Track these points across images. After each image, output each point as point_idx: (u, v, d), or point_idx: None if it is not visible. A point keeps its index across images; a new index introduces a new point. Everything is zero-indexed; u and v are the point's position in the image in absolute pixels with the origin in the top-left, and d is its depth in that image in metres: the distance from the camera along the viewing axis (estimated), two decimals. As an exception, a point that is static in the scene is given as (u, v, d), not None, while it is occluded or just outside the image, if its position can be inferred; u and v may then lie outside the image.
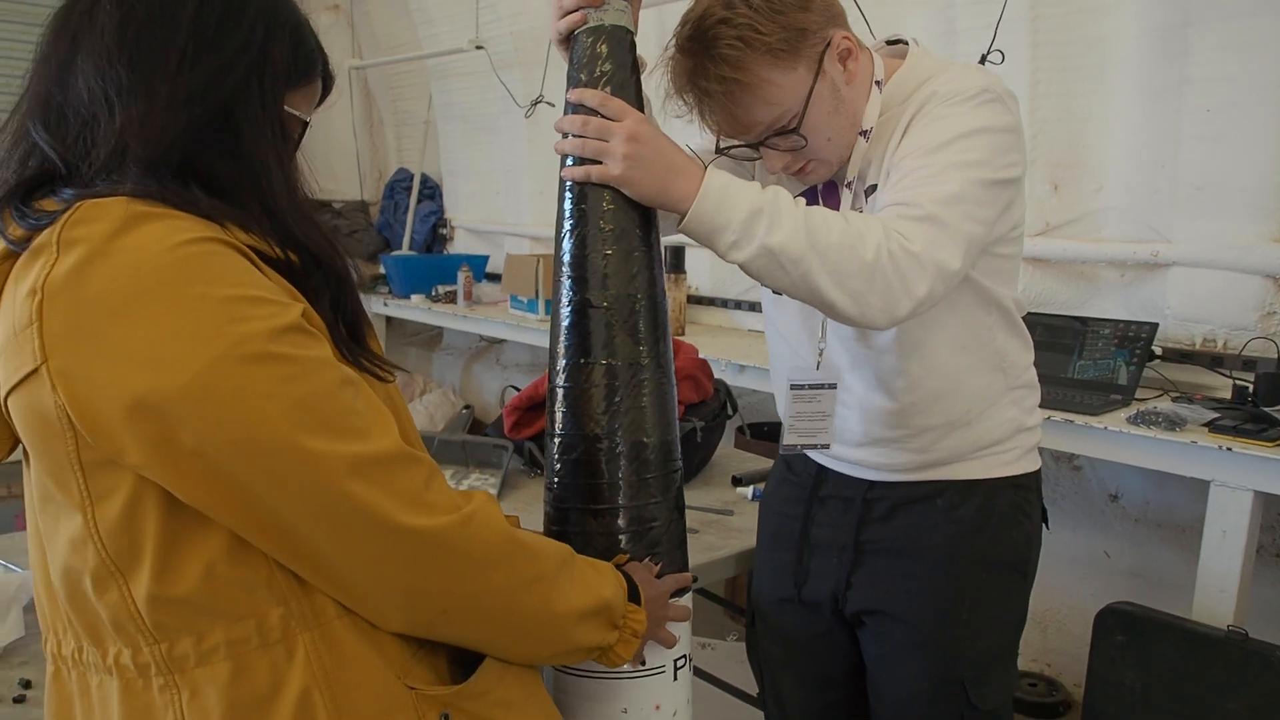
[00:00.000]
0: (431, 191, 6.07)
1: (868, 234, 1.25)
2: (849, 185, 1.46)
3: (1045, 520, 1.64)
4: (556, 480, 1.27)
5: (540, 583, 1.00)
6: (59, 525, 0.88)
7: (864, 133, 1.43)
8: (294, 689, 0.88)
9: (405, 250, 5.89)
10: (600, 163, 1.22)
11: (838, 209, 1.40)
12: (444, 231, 6.03)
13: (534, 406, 2.39)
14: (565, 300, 1.25)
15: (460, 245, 5.94)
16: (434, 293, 5.06)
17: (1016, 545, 1.57)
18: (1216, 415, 2.40)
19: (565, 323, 1.25)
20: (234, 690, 0.87)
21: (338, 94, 1.09)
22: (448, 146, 5.84)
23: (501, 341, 5.53)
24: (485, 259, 5.35)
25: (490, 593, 0.96)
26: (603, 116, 1.22)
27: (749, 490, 2.29)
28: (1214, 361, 2.79)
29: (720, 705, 2.61)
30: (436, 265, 5.32)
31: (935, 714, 1.58)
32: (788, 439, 1.57)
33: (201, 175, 0.90)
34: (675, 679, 1.27)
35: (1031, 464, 1.59)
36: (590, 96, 1.23)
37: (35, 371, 0.81)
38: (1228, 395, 2.60)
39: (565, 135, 1.26)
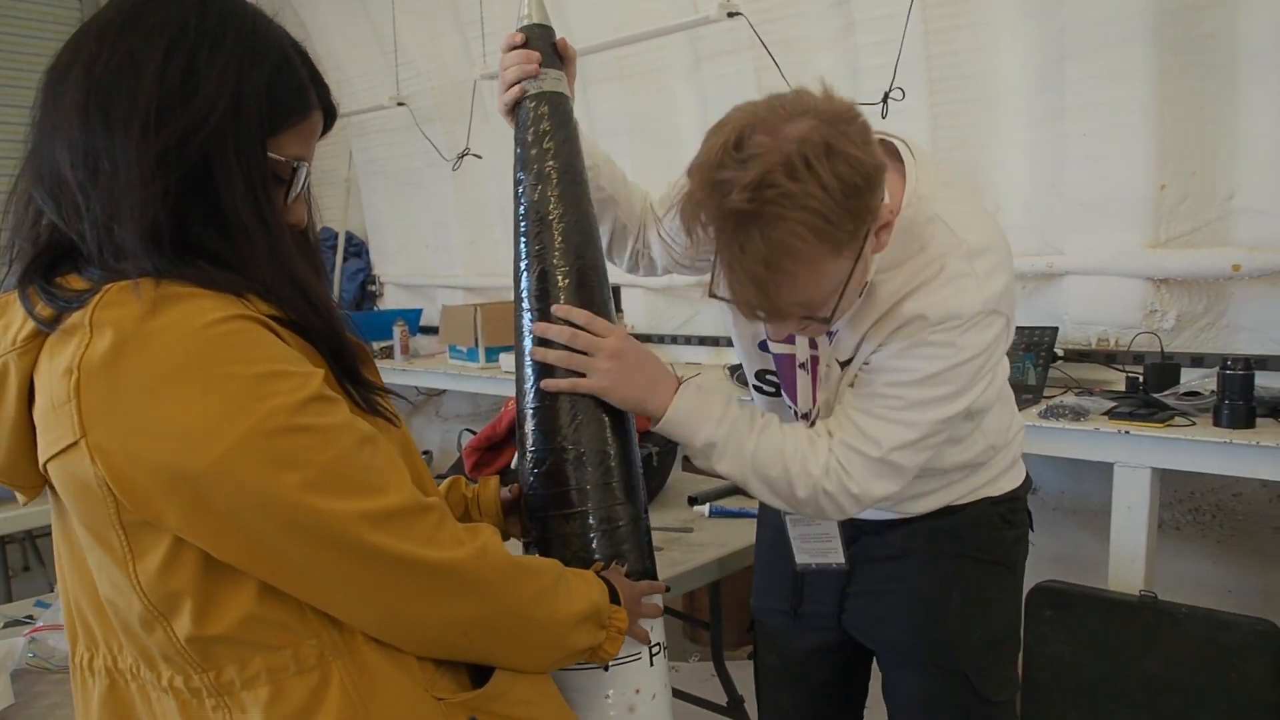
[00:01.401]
0: (358, 249, 6.10)
1: (809, 469, 1.35)
2: (831, 335, 1.42)
3: (1030, 523, 1.66)
4: (531, 494, 1.37)
5: (544, 596, 1.09)
6: (102, 572, 0.94)
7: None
8: (332, 710, 0.95)
9: (335, 309, 5.91)
10: (584, 374, 1.33)
11: (815, 352, 1.45)
12: (373, 289, 6.07)
13: (493, 446, 2.45)
14: (527, 330, 1.39)
15: (390, 301, 5.98)
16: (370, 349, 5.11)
17: (1002, 544, 1.59)
18: (1114, 404, 2.66)
19: (529, 346, 1.38)
20: (274, 710, 0.93)
21: None
22: (371, 203, 5.91)
23: (441, 393, 5.59)
24: (419, 312, 5.41)
25: (504, 612, 1.04)
26: (589, 332, 1.33)
27: (705, 508, 2.45)
28: (1108, 358, 3.07)
29: (693, 716, 2.76)
30: (370, 322, 5.34)
31: (940, 707, 1.60)
32: (799, 558, 1.62)
33: (194, 246, 0.92)
34: (652, 665, 1.39)
35: (1014, 480, 1.60)
36: (578, 315, 1.35)
37: (75, 444, 0.86)
38: (1122, 387, 2.88)
39: (542, 341, 1.35)
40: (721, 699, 2.48)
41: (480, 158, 4.40)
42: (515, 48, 1.46)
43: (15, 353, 0.91)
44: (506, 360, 4.18)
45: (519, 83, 1.44)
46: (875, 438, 1.33)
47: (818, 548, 1.61)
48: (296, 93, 1.00)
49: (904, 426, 1.33)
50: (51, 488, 0.96)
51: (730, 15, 3.26)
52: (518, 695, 1.08)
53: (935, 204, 1.33)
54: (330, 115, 1.07)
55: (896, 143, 1.38)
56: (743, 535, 2.17)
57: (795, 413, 1.54)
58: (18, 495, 1.01)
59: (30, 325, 0.91)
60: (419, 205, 5.57)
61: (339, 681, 0.95)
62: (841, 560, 1.59)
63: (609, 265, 1.52)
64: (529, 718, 1.08)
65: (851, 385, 1.40)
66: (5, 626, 1.70)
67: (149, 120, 0.89)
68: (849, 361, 1.41)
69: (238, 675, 0.94)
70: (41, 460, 0.91)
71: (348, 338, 1.01)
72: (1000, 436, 1.54)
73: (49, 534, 1.08)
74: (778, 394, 1.58)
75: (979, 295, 1.29)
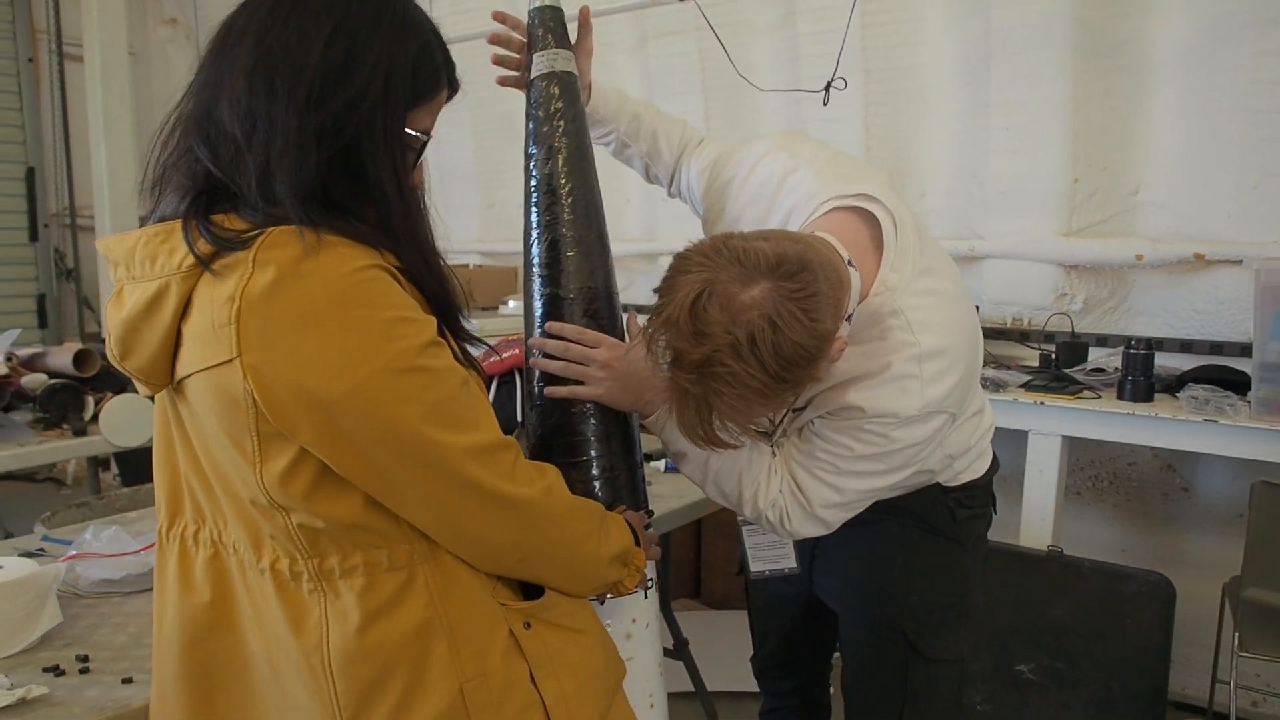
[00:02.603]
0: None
1: (757, 500, 1.47)
2: None
3: (994, 506, 1.74)
4: (539, 443, 1.50)
5: (591, 536, 1.23)
6: (231, 466, 1.05)
7: None
8: (417, 602, 1.07)
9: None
10: (582, 383, 1.43)
11: None
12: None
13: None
14: (537, 294, 1.49)
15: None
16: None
17: (952, 521, 1.64)
18: (1029, 378, 2.92)
19: (539, 314, 1.49)
20: (366, 599, 1.05)
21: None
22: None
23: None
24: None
25: (558, 544, 1.18)
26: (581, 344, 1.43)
27: (660, 464, 2.62)
28: (1022, 336, 3.35)
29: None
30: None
31: (882, 660, 1.70)
32: (754, 566, 1.73)
33: (338, 205, 1.03)
34: (645, 598, 1.55)
35: (972, 473, 1.65)
36: (569, 330, 1.44)
37: (229, 361, 0.97)
38: (1035, 362, 3.15)
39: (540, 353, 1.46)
40: (669, 642, 2.65)
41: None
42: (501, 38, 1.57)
43: (179, 275, 1.01)
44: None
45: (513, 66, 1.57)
46: (807, 494, 1.45)
47: (771, 554, 1.74)
48: (433, 72, 1.11)
49: (833, 490, 1.44)
50: (173, 389, 1.08)
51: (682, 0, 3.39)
52: (565, 608, 1.21)
53: (902, 297, 1.36)
54: (453, 90, 1.17)
55: (884, 219, 1.39)
56: (693, 490, 2.29)
57: None
58: (140, 388, 1.11)
59: (190, 259, 1.01)
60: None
61: (423, 580, 1.08)
62: (794, 565, 1.72)
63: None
64: (574, 627, 1.22)
65: (800, 433, 1.49)
66: (20, 556, 1.77)
67: (310, 95, 1.00)
68: (801, 409, 1.49)
69: (339, 564, 1.06)
70: (188, 370, 1.03)
71: (452, 295, 1.14)
72: (960, 446, 1.60)
73: None
74: None
75: (919, 398, 1.34)
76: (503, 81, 1.62)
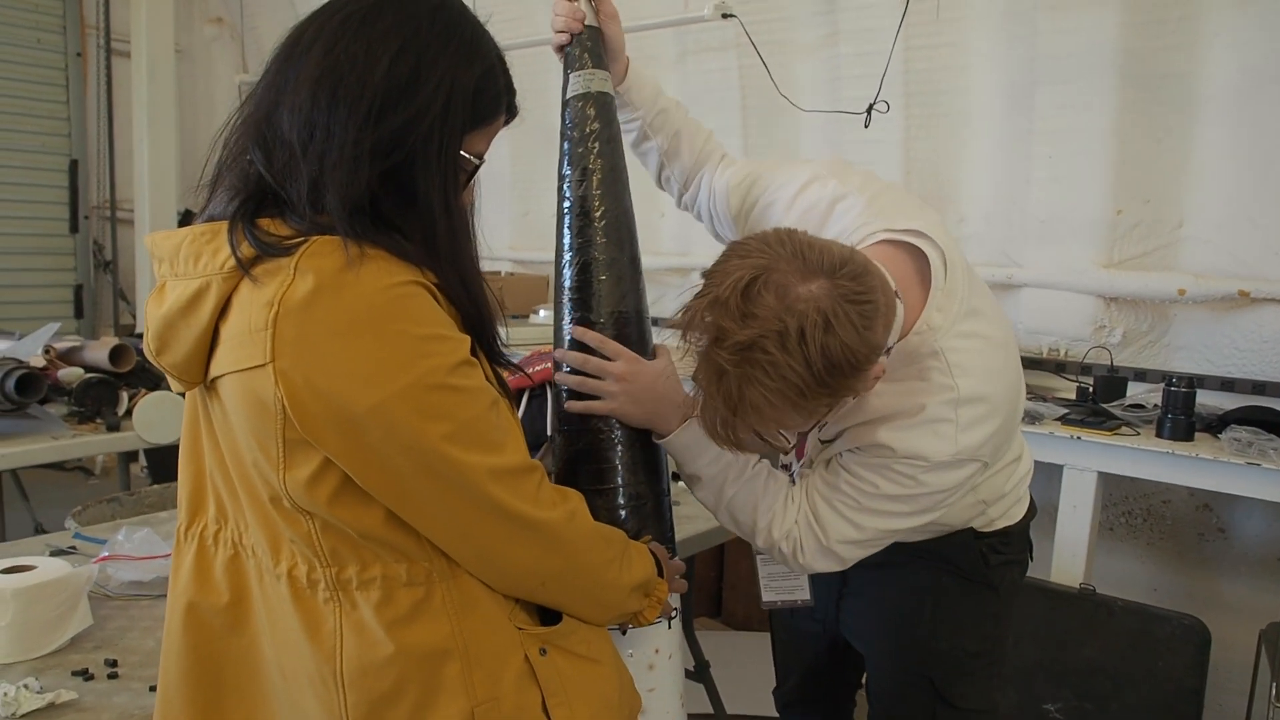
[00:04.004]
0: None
1: (772, 530, 1.43)
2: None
3: (1030, 552, 1.69)
4: (566, 468, 1.46)
5: (613, 563, 1.21)
6: (256, 469, 1.04)
7: None
8: (433, 620, 1.06)
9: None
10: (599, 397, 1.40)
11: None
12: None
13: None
14: (568, 318, 1.47)
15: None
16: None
17: (984, 566, 1.59)
18: (1066, 411, 2.88)
19: (569, 337, 1.46)
20: (382, 612, 1.05)
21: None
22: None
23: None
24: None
25: (580, 570, 1.17)
26: (601, 356, 1.40)
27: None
28: (1058, 367, 3.30)
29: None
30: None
31: (909, 707, 1.66)
32: (766, 596, 1.68)
33: (385, 220, 1.03)
34: (669, 628, 1.52)
35: (1007, 519, 1.61)
36: (590, 337, 1.41)
37: (263, 366, 0.97)
38: (1070, 394, 3.11)
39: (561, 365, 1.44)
40: (690, 664, 2.63)
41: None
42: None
43: (220, 276, 1.01)
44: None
45: (566, 31, 1.54)
46: (825, 527, 1.40)
47: (785, 585, 1.69)
48: (494, 98, 1.12)
49: (852, 526, 1.39)
50: (205, 388, 1.08)
51: (725, 16, 3.38)
52: (582, 636, 1.20)
53: (945, 338, 1.32)
54: (511, 116, 1.18)
55: (934, 257, 1.35)
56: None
57: (778, 458, 1.61)
58: (173, 384, 1.11)
59: (232, 261, 1.01)
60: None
61: (440, 599, 1.07)
62: (808, 597, 1.67)
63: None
64: (590, 656, 1.21)
65: (826, 464, 1.45)
66: (52, 555, 1.78)
67: (371, 111, 1.00)
68: (831, 441, 1.46)
69: (356, 575, 1.05)
70: (221, 371, 1.03)
71: (489, 318, 1.13)
72: (994, 493, 1.56)
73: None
74: None
75: (952, 444, 1.30)
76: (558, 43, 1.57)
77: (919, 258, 1.36)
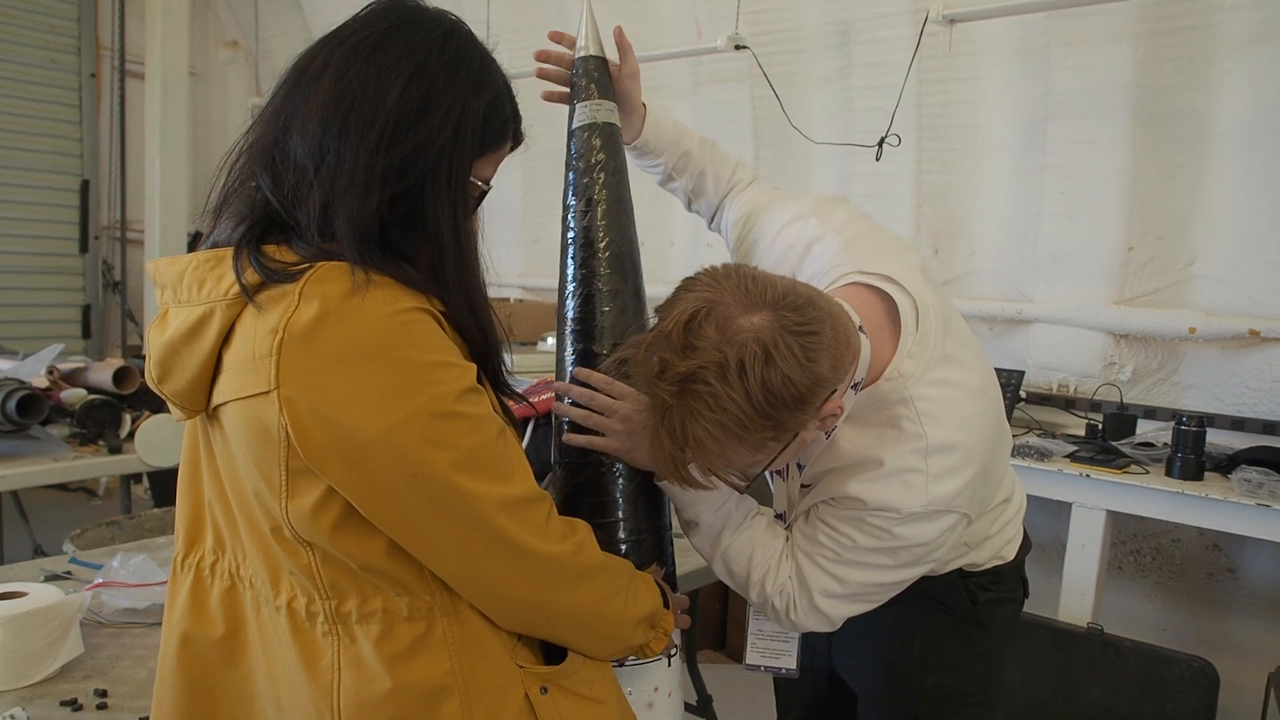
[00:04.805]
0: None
1: (765, 585, 1.41)
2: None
3: (1025, 589, 1.64)
4: (565, 500, 1.46)
5: (619, 594, 1.19)
6: (257, 498, 1.03)
7: None
8: (433, 656, 1.05)
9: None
10: (601, 434, 1.37)
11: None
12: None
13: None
14: (570, 349, 1.45)
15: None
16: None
17: (974, 604, 1.56)
18: (1075, 448, 2.85)
19: (571, 367, 1.44)
20: (381, 647, 1.03)
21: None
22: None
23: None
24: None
25: (586, 603, 1.15)
26: (606, 394, 1.37)
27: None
28: (1067, 404, 3.28)
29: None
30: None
31: None
32: (750, 658, 1.62)
33: (393, 247, 1.03)
34: (669, 665, 1.48)
35: (997, 559, 1.57)
36: (596, 379, 1.39)
37: (267, 393, 0.96)
38: (1080, 432, 3.08)
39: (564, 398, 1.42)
40: (692, 698, 2.60)
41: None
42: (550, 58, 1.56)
43: (224, 302, 1.00)
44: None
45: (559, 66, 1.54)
46: (808, 583, 1.38)
47: (772, 648, 1.62)
48: (501, 125, 1.12)
49: (834, 580, 1.36)
50: (207, 416, 1.07)
51: (738, 48, 3.39)
52: (585, 675, 1.18)
53: (915, 385, 1.29)
54: (517, 143, 1.18)
55: (903, 304, 1.32)
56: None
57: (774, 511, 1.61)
58: (175, 412, 1.09)
59: (236, 288, 1.01)
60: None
61: (441, 634, 1.06)
62: (793, 667, 1.60)
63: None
64: (593, 697, 1.18)
65: (806, 517, 1.42)
66: (46, 580, 1.76)
67: (383, 137, 1.01)
68: (809, 487, 1.43)
69: (356, 609, 1.04)
70: (224, 398, 1.01)
71: (494, 346, 1.13)
72: (978, 536, 1.53)
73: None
74: None
75: (923, 494, 1.27)
76: (548, 96, 1.59)
77: (890, 304, 1.33)
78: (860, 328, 1.27)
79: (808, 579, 1.38)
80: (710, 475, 1.24)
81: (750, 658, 1.62)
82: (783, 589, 1.41)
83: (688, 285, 1.20)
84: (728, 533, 1.43)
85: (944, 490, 1.27)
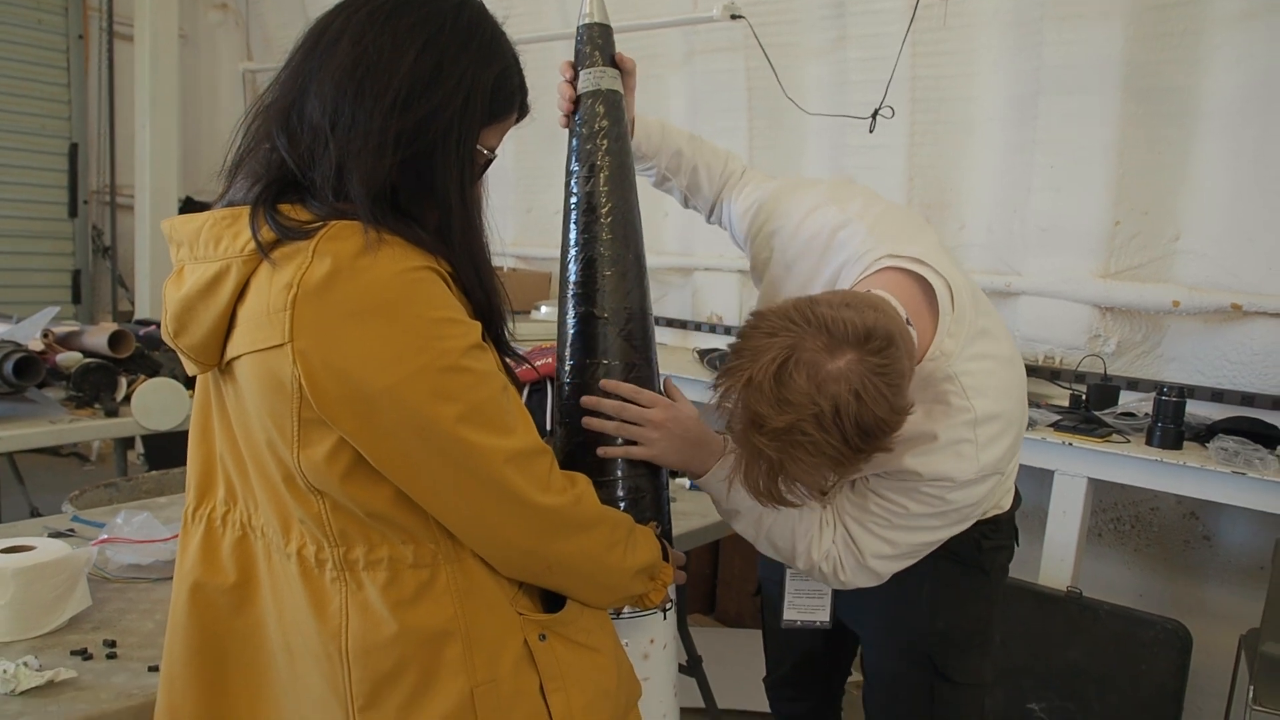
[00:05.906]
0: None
1: (811, 553, 1.49)
2: None
3: (1016, 539, 1.77)
4: (565, 460, 1.49)
5: (618, 546, 1.24)
6: (269, 448, 1.07)
7: None
8: (437, 602, 1.09)
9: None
10: (635, 443, 1.44)
11: None
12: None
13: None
14: (572, 312, 1.49)
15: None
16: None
17: (978, 550, 1.66)
18: (1059, 418, 2.90)
19: (572, 331, 1.48)
20: (387, 593, 1.08)
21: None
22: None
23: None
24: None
25: (585, 553, 1.19)
26: (637, 404, 1.43)
27: (686, 480, 2.62)
28: (1053, 375, 3.32)
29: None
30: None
31: (909, 685, 1.73)
32: (787, 614, 1.74)
33: (402, 208, 1.07)
34: (665, 618, 1.53)
35: (997, 509, 1.67)
36: (625, 389, 1.44)
37: (281, 346, 1.00)
38: (1065, 402, 3.13)
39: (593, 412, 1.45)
40: (682, 658, 2.65)
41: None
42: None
43: (240, 259, 1.04)
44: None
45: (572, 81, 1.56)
46: (860, 547, 1.48)
47: (808, 604, 1.75)
48: (509, 96, 1.17)
49: (886, 544, 1.47)
50: (220, 370, 1.11)
51: (734, 17, 3.40)
52: (583, 624, 1.23)
53: (958, 362, 1.40)
54: (523, 114, 1.22)
55: (939, 286, 1.41)
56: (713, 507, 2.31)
57: None
58: (189, 366, 1.13)
59: (252, 245, 1.05)
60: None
61: (445, 581, 1.11)
62: (827, 619, 1.72)
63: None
64: (589, 644, 1.23)
65: (852, 486, 1.51)
66: (50, 536, 1.79)
67: (396, 101, 1.05)
68: None
69: (364, 556, 1.08)
70: (238, 352, 1.06)
71: (498, 307, 1.18)
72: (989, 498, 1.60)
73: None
74: None
75: (975, 462, 1.39)
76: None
77: (924, 284, 1.43)
78: (907, 320, 1.35)
79: (859, 544, 1.48)
80: (799, 494, 1.31)
81: (788, 614, 1.74)
82: (828, 554, 1.50)
83: (764, 327, 1.25)
84: (768, 514, 1.50)
85: (991, 455, 1.40)
